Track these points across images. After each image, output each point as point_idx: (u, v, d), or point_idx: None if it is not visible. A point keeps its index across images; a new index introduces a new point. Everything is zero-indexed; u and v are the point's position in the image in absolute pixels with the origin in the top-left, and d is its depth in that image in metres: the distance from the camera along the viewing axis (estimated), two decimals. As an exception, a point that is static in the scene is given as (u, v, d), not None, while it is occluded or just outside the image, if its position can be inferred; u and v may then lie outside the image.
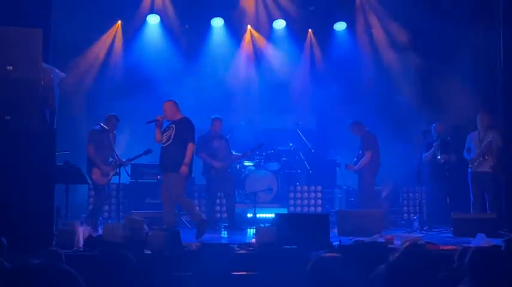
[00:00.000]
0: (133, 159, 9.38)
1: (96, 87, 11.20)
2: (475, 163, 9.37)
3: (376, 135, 10.11)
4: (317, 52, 12.45)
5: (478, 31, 10.11)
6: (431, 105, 10.79)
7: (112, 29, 11.75)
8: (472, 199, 9.43)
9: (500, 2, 9.17)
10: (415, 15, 11.21)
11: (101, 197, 9.13)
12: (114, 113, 9.37)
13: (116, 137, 9.41)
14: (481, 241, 6.97)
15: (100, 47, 11.62)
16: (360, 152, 10.05)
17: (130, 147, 10.05)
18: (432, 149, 9.83)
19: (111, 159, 9.30)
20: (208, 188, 10.05)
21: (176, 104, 8.54)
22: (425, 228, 9.39)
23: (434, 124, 9.95)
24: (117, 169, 9.13)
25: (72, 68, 10.38)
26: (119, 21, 11.77)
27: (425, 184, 10.14)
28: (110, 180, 9.19)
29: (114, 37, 11.76)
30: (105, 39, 11.71)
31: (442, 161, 9.70)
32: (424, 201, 10.14)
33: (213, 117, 10.05)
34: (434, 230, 9.39)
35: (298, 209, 10.88)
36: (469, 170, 9.49)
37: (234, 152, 10.32)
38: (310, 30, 12.42)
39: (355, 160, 10.12)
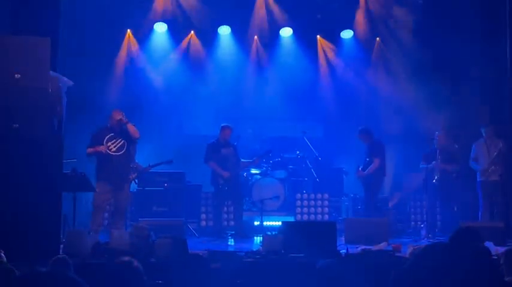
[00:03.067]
0: (153, 166, 9.56)
1: (103, 94, 11.22)
2: (487, 173, 9.34)
3: (384, 144, 10.08)
4: (324, 60, 12.45)
5: (487, 44, 10.10)
6: (439, 113, 10.78)
7: (123, 38, 11.80)
8: (481, 208, 9.40)
9: (507, 16, 9.17)
10: (423, 28, 11.24)
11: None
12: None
13: (136, 144, 9.39)
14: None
15: (109, 57, 11.66)
16: (368, 159, 10.01)
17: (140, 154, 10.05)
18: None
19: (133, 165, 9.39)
20: (216, 196, 10.05)
21: None
22: (429, 235, 9.40)
23: (437, 132, 9.95)
24: (135, 176, 9.32)
25: (79, 76, 10.42)
26: (128, 30, 11.81)
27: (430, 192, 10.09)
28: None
29: (125, 46, 11.79)
30: (114, 49, 11.74)
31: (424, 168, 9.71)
32: (430, 209, 10.07)
33: (223, 125, 10.03)
34: (441, 238, 9.36)
35: (305, 217, 10.86)
36: (478, 179, 9.46)
37: (242, 160, 10.31)
38: (318, 37, 12.42)
39: (361, 167, 10.07)
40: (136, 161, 9.47)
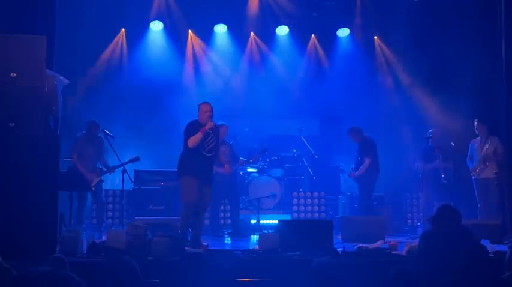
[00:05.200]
0: (118, 166, 9.33)
1: (100, 93, 11.21)
2: (477, 170, 9.37)
3: (375, 142, 10.04)
4: (320, 58, 12.47)
5: (482, 41, 10.10)
6: (435, 110, 10.80)
7: (116, 37, 11.80)
8: (478, 206, 9.41)
9: (503, 11, 9.17)
10: (419, 27, 11.26)
11: (81, 202, 9.21)
12: (93, 119, 9.39)
13: (103, 142, 9.37)
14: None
15: (105, 55, 11.67)
16: (359, 158, 9.99)
17: (134, 153, 10.03)
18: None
19: (99, 165, 9.33)
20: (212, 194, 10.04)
21: None
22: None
23: (430, 130, 9.97)
24: (102, 176, 9.28)
25: (77, 75, 10.42)
26: (123, 29, 11.81)
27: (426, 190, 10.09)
28: (93, 186, 9.12)
29: (118, 45, 11.81)
30: (110, 47, 11.75)
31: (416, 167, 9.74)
32: (427, 207, 10.08)
33: (218, 123, 10.00)
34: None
35: (302, 215, 10.86)
36: (473, 177, 9.48)
37: (240, 158, 10.28)
38: (313, 35, 12.44)
39: (353, 166, 10.06)
40: (106, 159, 9.46)
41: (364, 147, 9.89)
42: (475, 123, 9.49)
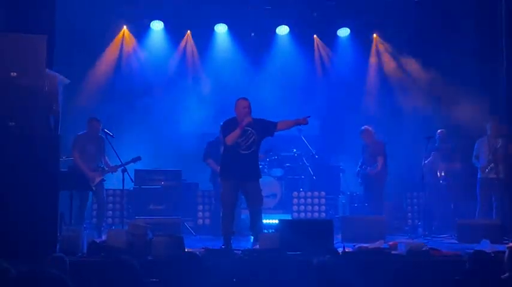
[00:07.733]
0: (120, 166, 9.22)
1: (101, 92, 11.22)
2: (486, 170, 9.32)
3: (385, 143, 10.10)
4: (320, 58, 12.47)
5: (482, 40, 10.11)
6: (436, 111, 10.79)
7: (118, 35, 11.80)
8: (478, 205, 9.40)
9: (503, 9, 9.16)
10: (420, 23, 11.27)
11: (83, 201, 9.09)
12: (94, 116, 9.28)
13: (104, 141, 9.26)
14: (486, 247, 6.95)
15: (105, 54, 11.67)
16: (371, 158, 10.03)
17: (134, 152, 10.03)
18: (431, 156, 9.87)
19: (100, 164, 9.26)
20: (215, 194, 10.04)
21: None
22: (426, 232, 9.43)
23: (439, 130, 9.97)
24: (104, 175, 9.21)
25: (76, 75, 10.41)
26: (124, 29, 11.81)
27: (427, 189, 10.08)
28: (95, 186, 9.05)
29: (119, 45, 11.81)
30: (111, 47, 11.75)
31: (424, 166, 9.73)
32: (428, 207, 10.08)
33: (221, 124, 9.98)
34: (438, 236, 9.38)
35: (302, 215, 10.86)
36: (478, 176, 9.46)
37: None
38: (315, 36, 12.45)
39: (364, 166, 10.06)
40: (107, 159, 9.39)
41: (378, 147, 10.02)
42: (490, 122, 9.44)
